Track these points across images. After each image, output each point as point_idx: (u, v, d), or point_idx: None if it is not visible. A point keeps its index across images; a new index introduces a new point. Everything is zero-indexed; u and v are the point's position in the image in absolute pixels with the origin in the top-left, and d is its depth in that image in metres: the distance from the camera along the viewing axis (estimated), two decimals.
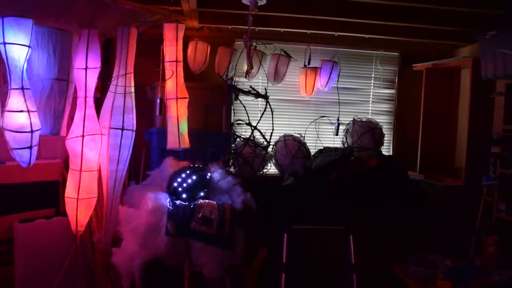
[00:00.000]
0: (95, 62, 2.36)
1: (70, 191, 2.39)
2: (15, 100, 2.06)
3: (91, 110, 2.39)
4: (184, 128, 2.84)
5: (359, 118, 3.76)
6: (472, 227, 3.24)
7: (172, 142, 2.82)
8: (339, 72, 3.71)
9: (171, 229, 2.45)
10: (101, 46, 2.44)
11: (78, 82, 2.38)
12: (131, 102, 2.61)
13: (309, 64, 3.66)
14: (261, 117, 3.37)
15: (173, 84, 2.77)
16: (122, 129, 2.55)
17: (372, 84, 4.10)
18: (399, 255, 3.16)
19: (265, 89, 3.34)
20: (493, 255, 2.65)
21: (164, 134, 2.87)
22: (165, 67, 2.79)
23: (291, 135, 3.63)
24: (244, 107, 3.37)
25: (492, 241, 2.68)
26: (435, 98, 3.88)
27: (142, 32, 2.76)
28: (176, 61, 2.77)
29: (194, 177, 2.72)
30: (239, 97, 3.37)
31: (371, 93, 4.11)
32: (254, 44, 3.42)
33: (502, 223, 3.08)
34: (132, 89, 2.62)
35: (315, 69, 3.62)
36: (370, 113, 4.10)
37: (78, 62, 2.35)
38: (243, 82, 3.57)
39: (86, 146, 2.34)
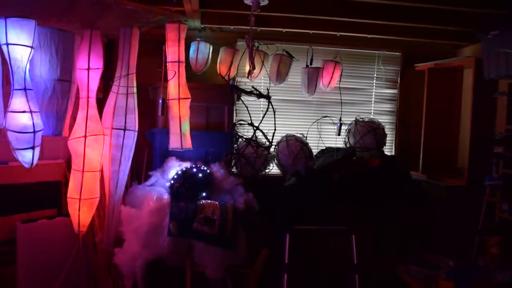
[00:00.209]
0: (97, 63, 2.37)
1: (72, 191, 2.39)
2: (17, 100, 2.07)
3: (94, 110, 2.39)
4: (186, 128, 2.84)
5: (361, 118, 3.76)
6: (475, 228, 3.23)
7: (174, 143, 2.82)
8: (341, 72, 3.70)
9: (173, 230, 2.45)
10: (103, 46, 2.44)
11: (81, 83, 2.39)
12: (133, 102, 2.62)
13: (311, 64, 3.66)
14: (263, 117, 3.37)
15: (175, 84, 2.77)
16: (124, 129, 2.56)
17: (374, 84, 4.09)
18: (401, 255, 3.14)
19: (267, 89, 3.34)
20: (496, 255, 2.65)
21: (166, 135, 2.87)
22: (167, 67, 2.79)
23: (293, 135, 3.62)
24: (246, 107, 3.38)
25: (494, 241, 2.68)
26: (438, 98, 3.86)
27: (144, 32, 2.77)
28: (178, 61, 2.77)
29: (196, 178, 2.72)
30: (241, 97, 3.38)
31: (373, 93, 4.10)
32: (256, 44, 3.42)
33: (505, 224, 3.07)
34: (134, 90, 2.63)
35: (317, 69, 3.62)
36: (372, 113, 4.09)
37: (81, 62, 2.36)
38: (245, 83, 3.58)
39: (88, 146, 2.35)
